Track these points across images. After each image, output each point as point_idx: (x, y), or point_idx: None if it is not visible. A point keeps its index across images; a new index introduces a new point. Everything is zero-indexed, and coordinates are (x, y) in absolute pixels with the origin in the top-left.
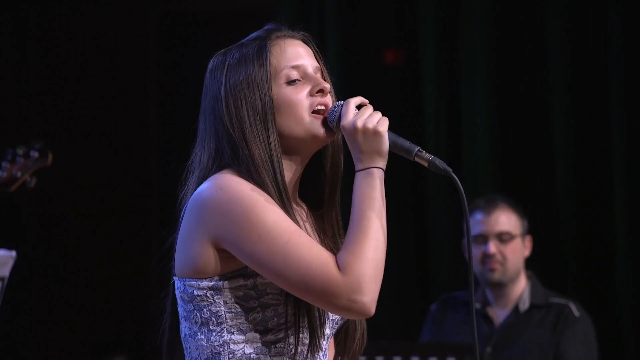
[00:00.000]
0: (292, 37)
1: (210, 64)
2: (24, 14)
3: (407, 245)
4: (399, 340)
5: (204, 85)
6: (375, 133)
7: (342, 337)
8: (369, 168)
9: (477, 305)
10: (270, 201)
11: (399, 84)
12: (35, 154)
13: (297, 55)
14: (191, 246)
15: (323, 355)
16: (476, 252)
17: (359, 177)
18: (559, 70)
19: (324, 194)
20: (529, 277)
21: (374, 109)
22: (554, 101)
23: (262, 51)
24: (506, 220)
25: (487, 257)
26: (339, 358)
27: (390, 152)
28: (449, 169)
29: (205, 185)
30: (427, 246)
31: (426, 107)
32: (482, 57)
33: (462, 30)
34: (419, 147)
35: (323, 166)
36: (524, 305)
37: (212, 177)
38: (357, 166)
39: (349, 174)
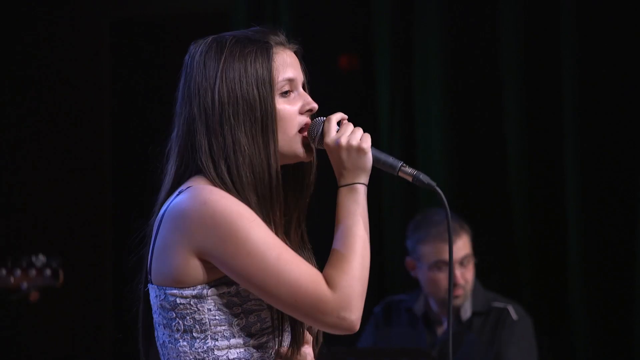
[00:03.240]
0: (289, 47)
1: (197, 49)
2: None
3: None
4: (353, 345)
5: (185, 70)
6: (359, 150)
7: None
8: (352, 184)
9: (419, 313)
10: (254, 216)
11: (354, 90)
12: (48, 273)
13: (292, 66)
14: (172, 257)
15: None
16: (436, 277)
17: (342, 193)
18: (512, 74)
19: (294, 201)
20: None
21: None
22: (508, 106)
23: (266, 56)
24: (464, 243)
25: (455, 285)
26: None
27: (373, 167)
28: (433, 183)
29: (184, 197)
30: (383, 251)
31: (380, 112)
32: (436, 62)
33: (417, 35)
34: (402, 162)
35: (296, 176)
36: (466, 313)
37: (191, 189)
38: (340, 182)
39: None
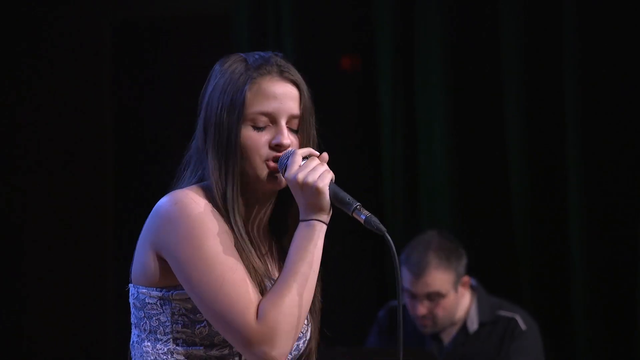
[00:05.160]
0: (283, 77)
1: (215, 66)
2: None
3: (365, 252)
4: (355, 346)
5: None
6: (315, 189)
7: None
8: (309, 220)
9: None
10: (219, 228)
11: (355, 91)
12: None
13: (273, 99)
14: (143, 254)
15: None
16: (406, 301)
17: (299, 228)
18: (513, 74)
19: (289, 227)
20: (474, 291)
21: (322, 153)
22: (509, 106)
23: (245, 84)
24: (435, 281)
25: (417, 316)
26: None
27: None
28: (383, 229)
29: (165, 198)
30: (384, 254)
31: (382, 113)
32: (437, 62)
33: (418, 35)
34: (359, 204)
35: (291, 202)
36: (473, 325)
37: (173, 191)
38: (300, 216)
39: None
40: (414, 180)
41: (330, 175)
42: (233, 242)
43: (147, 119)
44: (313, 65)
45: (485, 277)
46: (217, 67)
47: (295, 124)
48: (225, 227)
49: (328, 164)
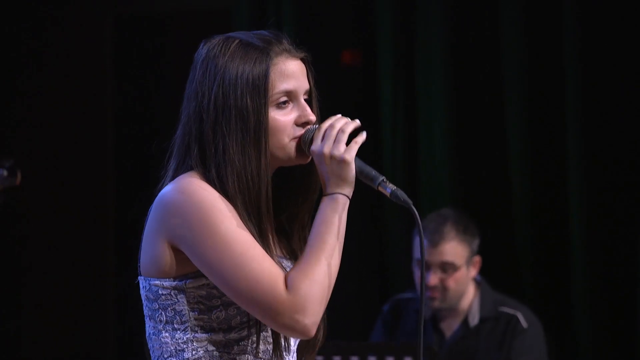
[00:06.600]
0: (293, 55)
1: (205, 49)
2: None
3: (367, 246)
4: (357, 340)
5: (193, 69)
6: (342, 161)
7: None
8: (334, 194)
9: (427, 316)
10: (229, 209)
11: (356, 86)
12: (3, 173)
13: (292, 77)
14: (153, 246)
15: (292, 356)
16: (418, 274)
17: (324, 201)
18: (514, 74)
19: (295, 205)
20: (478, 285)
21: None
22: (510, 106)
23: (264, 66)
24: (451, 250)
25: (427, 287)
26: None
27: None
28: (410, 202)
29: (168, 188)
30: (386, 247)
31: (382, 113)
32: (438, 63)
33: (419, 32)
34: (383, 177)
35: (302, 177)
36: (474, 319)
37: (176, 179)
38: (324, 190)
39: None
40: (414, 180)
41: (355, 148)
42: (242, 222)
43: (148, 113)
44: (313, 65)
45: (486, 277)
46: (206, 51)
47: (305, 98)
48: (233, 208)
49: None
